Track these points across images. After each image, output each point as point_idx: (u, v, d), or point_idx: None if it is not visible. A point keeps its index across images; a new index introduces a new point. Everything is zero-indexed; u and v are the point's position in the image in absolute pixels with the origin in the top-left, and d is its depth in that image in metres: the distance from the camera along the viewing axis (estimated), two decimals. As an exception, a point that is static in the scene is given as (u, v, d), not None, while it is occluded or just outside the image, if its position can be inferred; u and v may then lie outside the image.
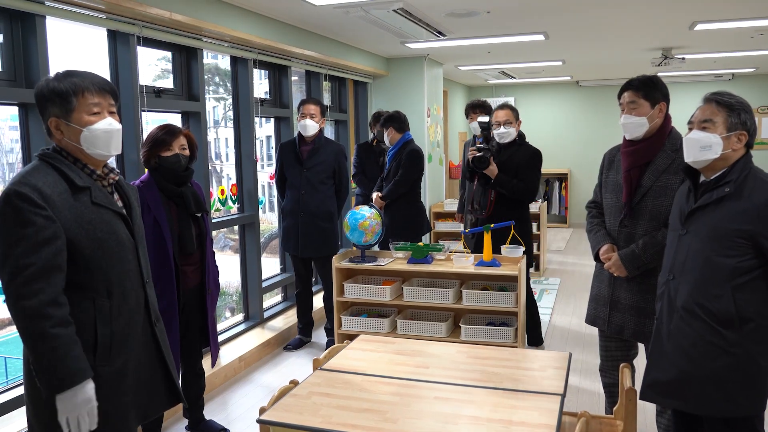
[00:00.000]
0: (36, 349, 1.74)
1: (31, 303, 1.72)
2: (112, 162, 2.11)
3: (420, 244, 4.01)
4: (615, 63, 8.52)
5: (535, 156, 4.18)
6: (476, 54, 7.34)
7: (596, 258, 2.91)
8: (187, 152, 3.05)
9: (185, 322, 3.10)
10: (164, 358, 2.12)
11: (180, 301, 3.01)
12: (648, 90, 2.71)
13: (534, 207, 6.91)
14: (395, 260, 4.09)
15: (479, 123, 4.19)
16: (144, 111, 3.73)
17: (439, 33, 5.60)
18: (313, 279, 5.57)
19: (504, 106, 4.21)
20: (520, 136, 4.28)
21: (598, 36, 6.28)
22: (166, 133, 2.98)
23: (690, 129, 2.26)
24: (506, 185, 4.08)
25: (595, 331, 3.10)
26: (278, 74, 5.50)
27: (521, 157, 4.14)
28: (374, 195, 4.93)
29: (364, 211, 3.96)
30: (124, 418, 1.96)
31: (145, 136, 3.08)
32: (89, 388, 1.80)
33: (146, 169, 3.05)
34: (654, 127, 2.73)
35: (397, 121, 4.95)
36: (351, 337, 3.07)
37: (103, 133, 1.90)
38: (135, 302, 2.00)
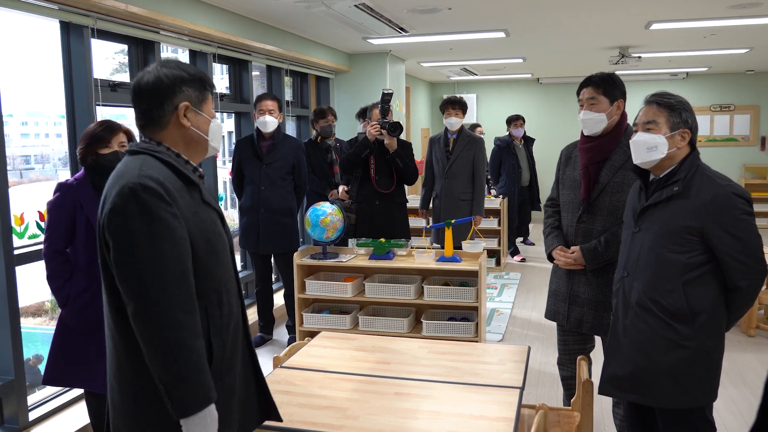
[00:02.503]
0: (174, 363, 1.49)
1: (169, 311, 1.50)
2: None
3: (381, 240, 4.01)
4: (574, 61, 8.66)
5: (410, 147, 4.50)
6: (438, 50, 7.38)
7: (549, 258, 2.98)
8: (123, 148, 2.88)
9: None
10: (260, 371, 1.91)
11: None
12: (607, 87, 2.76)
13: (495, 203, 6.99)
14: (357, 256, 4.09)
15: (384, 91, 4.20)
16: (99, 105, 3.64)
17: (401, 29, 5.61)
18: (274, 276, 5.53)
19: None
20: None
21: (557, 34, 6.37)
22: (105, 129, 2.83)
23: (635, 131, 2.32)
24: (404, 159, 4.29)
25: (553, 324, 3.15)
26: (239, 69, 5.43)
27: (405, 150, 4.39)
28: (340, 189, 4.92)
29: (326, 207, 3.95)
30: None
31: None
32: (215, 408, 1.58)
33: (82, 167, 2.87)
34: (611, 124, 2.78)
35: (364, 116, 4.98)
36: (312, 335, 3.05)
37: (221, 129, 1.81)
38: (237, 311, 1.80)
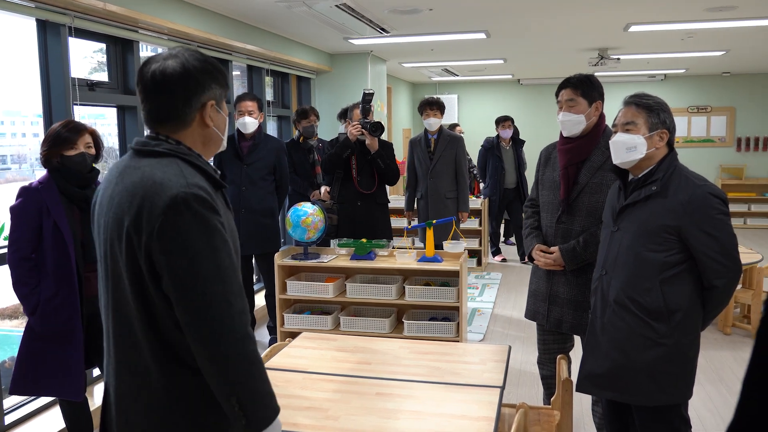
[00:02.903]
0: (248, 378, 1.44)
1: (238, 326, 1.43)
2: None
3: (363, 240, 4.01)
4: (554, 62, 8.73)
5: (392, 147, 4.50)
6: (419, 51, 7.39)
7: (529, 258, 3.01)
8: (93, 150, 2.81)
9: (93, 335, 2.81)
10: None
11: (83, 312, 2.77)
12: (585, 88, 2.78)
13: (476, 203, 7.02)
14: (338, 257, 4.08)
15: (365, 91, 4.22)
16: (77, 105, 3.59)
17: (382, 29, 5.61)
18: (255, 277, 5.51)
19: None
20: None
21: (537, 36, 6.42)
22: (70, 130, 2.73)
23: (615, 132, 2.34)
24: (385, 159, 4.29)
25: (534, 324, 3.18)
26: (219, 68, 5.39)
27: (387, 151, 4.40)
28: (323, 189, 4.91)
29: (307, 207, 3.94)
30: None
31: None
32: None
33: (46, 169, 2.78)
34: (590, 125, 2.80)
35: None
36: (294, 335, 3.04)
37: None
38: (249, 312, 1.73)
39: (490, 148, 7.41)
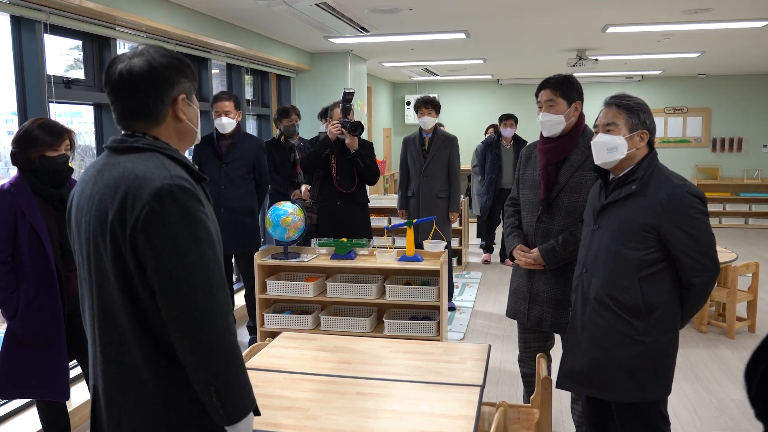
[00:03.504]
0: (229, 368, 1.44)
1: (219, 316, 1.43)
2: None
3: (343, 240, 4.00)
4: (533, 63, 8.79)
5: (372, 146, 4.51)
6: (400, 50, 7.40)
7: (510, 257, 3.03)
8: (69, 151, 2.76)
9: (73, 334, 2.79)
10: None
11: (65, 311, 2.73)
12: (565, 89, 2.80)
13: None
14: (318, 256, 4.07)
15: (345, 90, 4.22)
16: (52, 102, 3.54)
17: (363, 29, 5.61)
18: (235, 276, 5.47)
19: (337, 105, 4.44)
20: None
21: (517, 36, 6.46)
22: (52, 135, 2.66)
23: (596, 132, 2.37)
24: (365, 159, 4.30)
25: (514, 322, 3.19)
26: (198, 67, 5.35)
27: (368, 150, 4.41)
28: (303, 188, 4.90)
29: (287, 207, 3.92)
30: None
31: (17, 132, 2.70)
32: None
33: (16, 170, 2.71)
34: (570, 125, 2.82)
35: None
36: (274, 335, 3.03)
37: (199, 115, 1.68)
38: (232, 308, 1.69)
39: (488, 145, 7.20)
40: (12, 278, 2.65)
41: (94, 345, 1.55)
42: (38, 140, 2.65)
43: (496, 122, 8.12)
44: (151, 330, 1.47)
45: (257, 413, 1.62)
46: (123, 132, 1.56)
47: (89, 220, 1.49)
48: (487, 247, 7.73)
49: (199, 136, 1.67)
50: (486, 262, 7.67)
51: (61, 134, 2.70)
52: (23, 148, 2.66)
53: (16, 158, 2.68)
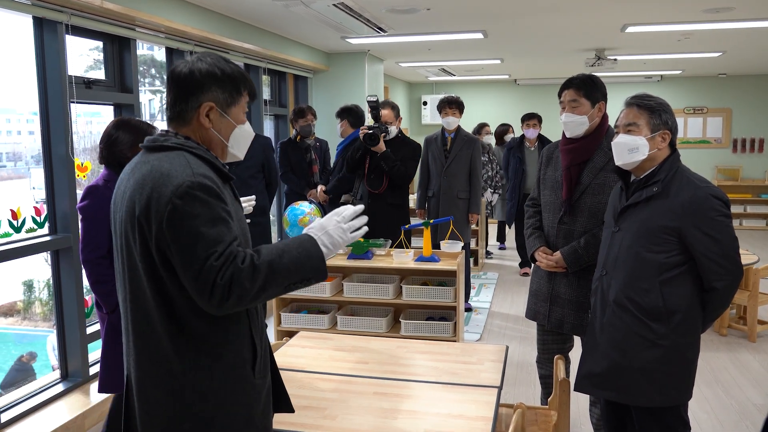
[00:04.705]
0: (278, 277, 1.50)
1: (247, 273, 1.46)
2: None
3: (360, 239, 4.00)
4: (551, 62, 8.73)
5: (417, 149, 4.60)
6: (417, 50, 7.39)
7: (532, 259, 2.99)
8: None
9: None
10: (275, 362, 1.87)
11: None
12: (589, 89, 2.77)
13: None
14: (335, 256, 4.07)
15: (368, 100, 4.26)
16: (73, 102, 3.58)
17: (380, 29, 5.60)
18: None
19: (385, 105, 4.52)
20: (401, 131, 4.65)
21: (535, 36, 6.42)
22: (135, 132, 2.76)
23: (617, 133, 2.34)
24: (390, 162, 4.38)
25: (531, 323, 3.17)
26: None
27: (405, 151, 4.50)
28: (319, 188, 4.92)
29: (304, 206, 3.93)
30: None
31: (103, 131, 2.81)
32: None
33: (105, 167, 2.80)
34: (593, 126, 2.79)
35: (353, 115, 4.99)
36: (291, 334, 3.04)
37: (249, 136, 1.73)
38: (261, 307, 1.74)
39: (512, 148, 6.79)
40: (112, 272, 2.69)
41: (128, 335, 1.60)
42: (119, 140, 2.73)
43: (510, 123, 7.96)
44: (178, 323, 1.52)
45: (290, 410, 1.76)
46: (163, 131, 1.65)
47: (122, 216, 1.55)
48: (524, 262, 7.09)
49: (233, 152, 1.70)
50: (525, 274, 7.02)
51: (145, 131, 2.78)
52: (110, 147, 2.74)
53: (104, 157, 2.77)
